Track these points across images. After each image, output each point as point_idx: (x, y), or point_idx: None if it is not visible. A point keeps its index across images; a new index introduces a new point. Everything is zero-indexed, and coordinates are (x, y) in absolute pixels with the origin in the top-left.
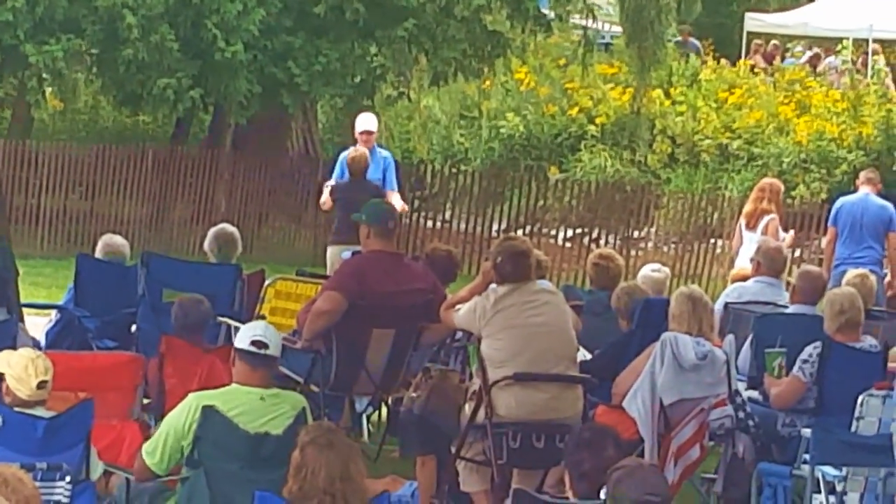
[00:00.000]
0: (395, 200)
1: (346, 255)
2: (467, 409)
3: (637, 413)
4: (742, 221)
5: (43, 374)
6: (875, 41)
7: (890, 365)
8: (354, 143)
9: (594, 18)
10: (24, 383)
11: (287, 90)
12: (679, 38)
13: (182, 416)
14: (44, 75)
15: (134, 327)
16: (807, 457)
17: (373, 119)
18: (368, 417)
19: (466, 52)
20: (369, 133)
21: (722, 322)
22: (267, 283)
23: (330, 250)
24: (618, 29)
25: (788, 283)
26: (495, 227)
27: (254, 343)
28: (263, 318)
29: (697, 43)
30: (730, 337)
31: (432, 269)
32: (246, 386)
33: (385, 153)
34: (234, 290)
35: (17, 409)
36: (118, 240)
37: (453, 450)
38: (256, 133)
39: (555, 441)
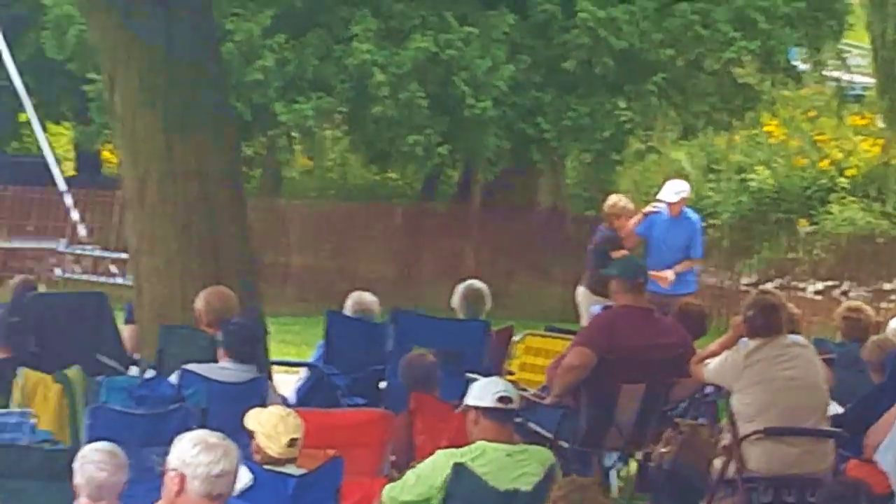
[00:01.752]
0: (682, 266)
1: (596, 308)
2: (718, 463)
3: (890, 467)
4: None
5: (293, 431)
6: None
7: None
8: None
9: (848, 69)
10: (274, 441)
11: (536, 146)
12: None
13: (434, 473)
14: (293, 133)
15: (383, 384)
16: None
17: (682, 190)
18: (618, 472)
19: (716, 105)
20: (673, 203)
21: None
22: (516, 338)
23: (580, 290)
24: (869, 80)
25: None
26: (745, 280)
27: (500, 399)
28: (512, 373)
29: None
30: None
31: (682, 324)
32: (493, 443)
33: (693, 216)
34: (482, 346)
35: (266, 466)
36: (368, 297)
37: None
38: (504, 188)
39: (806, 496)
